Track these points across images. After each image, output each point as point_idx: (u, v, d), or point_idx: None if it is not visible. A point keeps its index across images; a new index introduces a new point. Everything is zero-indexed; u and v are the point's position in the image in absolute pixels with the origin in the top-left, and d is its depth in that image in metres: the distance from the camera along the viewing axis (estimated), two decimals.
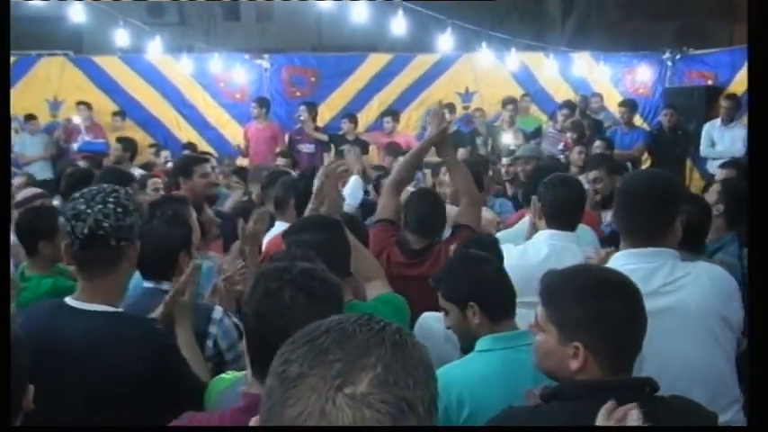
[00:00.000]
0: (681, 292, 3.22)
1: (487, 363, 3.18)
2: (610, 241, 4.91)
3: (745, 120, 13.19)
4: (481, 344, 3.27)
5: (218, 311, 3.69)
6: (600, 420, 2.16)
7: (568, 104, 13.41)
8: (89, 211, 3.02)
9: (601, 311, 2.43)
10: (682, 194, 3.62)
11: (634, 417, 2.11)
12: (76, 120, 13.13)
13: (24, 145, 13.08)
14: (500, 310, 3.35)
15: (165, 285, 3.75)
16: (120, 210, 3.04)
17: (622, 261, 3.32)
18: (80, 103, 13.22)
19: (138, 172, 9.54)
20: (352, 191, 6.24)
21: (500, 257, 3.95)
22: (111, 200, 3.04)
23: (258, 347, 2.27)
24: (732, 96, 12.98)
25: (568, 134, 11.53)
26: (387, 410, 1.21)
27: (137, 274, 3.67)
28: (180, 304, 3.38)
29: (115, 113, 13.63)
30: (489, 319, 3.31)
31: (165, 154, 12.13)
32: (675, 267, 3.29)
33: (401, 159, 5.28)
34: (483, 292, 3.35)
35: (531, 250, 4.30)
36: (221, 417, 2.31)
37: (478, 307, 3.32)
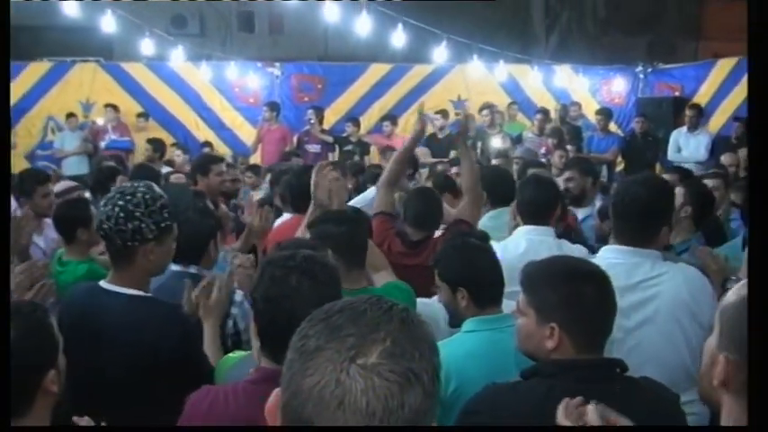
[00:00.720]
0: (658, 287, 3.29)
1: (472, 342, 3.18)
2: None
3: (708, 127, 13.34)
4: (467, 325, 3.27)
5: (239, 295, 3.69)
6: (559, 416, 2.10)
7: (543, 110, 13.53)
8: (101, 209, 3.01)
9: (573, 295, 2.46)
10: (672, 206, 3.64)
11: (590, 410, 2.06)
12: (100, 121, 13.15)
13: (64, 141, 13.17)
14: (487, 297, 3.31)
15: (192, 269, 3.77)
16: (122, 215, 2.94)
17: (608, 254, 3.40)
18: (108, 105, 13.24)
19: (165, 169, 9.57)
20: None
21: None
22: (120, 203, 2.96)
23: (267, 328, 2.29)
24: (695, 106, 13.19)
25: (549, 139, 11.58)
26: (395, 379, 1.24)
27: None
28: (205, 306, 3.35)
29: (139, 115, 13.64)
30: (475, 304, 3.29)
31: (177, 152, 12.12)
32: (655, 265, 3.35)
33: (392, 159, 5.26)
34: (473, 280, 3.31)
35: (511, 245, 4.29)
36: (234, 388, 2.33)
37: (467, 292, 3.29)
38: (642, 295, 3.28)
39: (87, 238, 4.66)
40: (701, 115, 13.02)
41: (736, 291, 1.70)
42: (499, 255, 3.97)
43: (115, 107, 13.24)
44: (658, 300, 3.29)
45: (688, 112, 12.82)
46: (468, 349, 3.15)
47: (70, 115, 13.24)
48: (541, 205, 4.47)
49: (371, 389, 1.23)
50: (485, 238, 4.15)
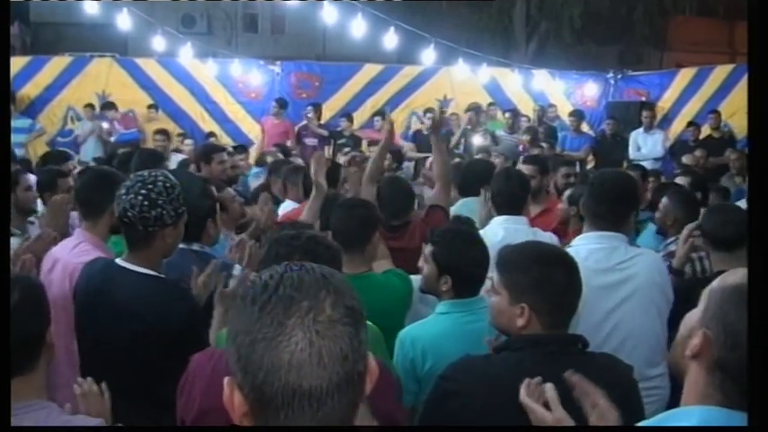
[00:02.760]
0: (633, 269, 3.36)
1: (446, 323, 3.17)
2: None
3: (671, 130, 13.45)
4: (441, 307, 3.25)
5: (237, 269, 3.69)
6: (522, 394, 2.19)
7: (513, 110, 13.64)
8: (123, 197, 3.01)
9: (542, 278, 2.49)
10: (639, 195, 3.70)
11: (548, 388, 2.16)
12: (105, 125, 12.83)
13: (83, 129, 13.06)
14: (467, 289, 3.25)
15: (195, 246, 3.78)
16: (146, 203, 2.97)
17: (586, 241, 3.45)
18: (87, 105, 13.03)
19: (174, 157, 9.58)
20: None
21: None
22: (143, 192, 2.98)
23: None
24: (651, 108, 13.46)
25: (524, 137, 11.64)
26: (350, 321, 1.31)
27: None
28: (221, 294, 3.21)
29: (149, 106, 13.51)
30: (455, 293, 3.24)
31: (188, 141, 12.04)
32: (628, 249, 3.42)
33: (372, 157, 5.32)
34: (461, 272, 3.24)
35: (489, 234, 4.25)
36: None
37: (452, 281, 3.23)
38: (621, 275, 3.34)
39: None
40: (655, 116, 13.33)
41: (724, 277, 1.73)
42: None
43: (111, 105, 13.03)
44: (635, 280, 3.35)
45: (644, 114, 13.00)
46: (442, 330, 3.14)
47: (88, 105, 13.18)
48: (512, 197, 4.50)
49: (339, 337, 1.28)
50: (470, 224, 4.16)
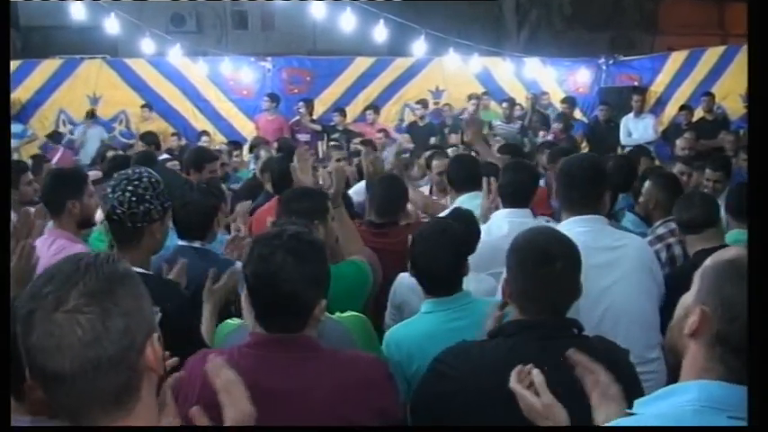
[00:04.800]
0: (623, 250, 3.38)
1: (431, 323, 3.15)
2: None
3: (665, 113, 13.44)
4: (425, 306, 3.25)
5: (238, 265, 3.73)
6: (512, 380, 2.15)
7: (510, 100, 13.69)
8: (110, 196, 3.02)
9: (518, 269, 2.55)
10: (606, 174, 3.70)
11: (534, 374, 2.12)
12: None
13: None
14: (430, 287, 3.23)
15: (197, 243, 3.81)
16: (134, 199, 2.98)
17: (570, 227, 3.38)
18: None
19: (162, 157, 9.58)
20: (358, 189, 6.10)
21: (477, 230, 3.88)
22: (129, 188, 2.99)
23: (256, 300, 2.32)
24: (640, 92, 13.48)
25: (556, 125, 11.64)
26: (93, 311, 1.40)
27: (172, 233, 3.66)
28: (209, 291, 3.37)
29: (143, 106, 13.49)
30: (424, 289, 3.25)
31: (205, 138, 11.96)
32: (614, 231, 3.46)
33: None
34: (417, 268, 3.24)
35: (494, 228, 4.23)
36: (231, 352, 2.31)
37: (416, 277, 3.26)
38: (611, 255, 3.34)
39: None
40: (645, 101, 13.39)
41: (716, 256, 1.74)
42: (484, 236, 3.93)
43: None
44: (626, 261, 3.36)
45: (634, 98, 12.97)
46: (427, 330, 3.11)
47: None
48: (520, 189, 4.43)
49: (78, 325, 1.39)
50: (470, 216, 4.08)
